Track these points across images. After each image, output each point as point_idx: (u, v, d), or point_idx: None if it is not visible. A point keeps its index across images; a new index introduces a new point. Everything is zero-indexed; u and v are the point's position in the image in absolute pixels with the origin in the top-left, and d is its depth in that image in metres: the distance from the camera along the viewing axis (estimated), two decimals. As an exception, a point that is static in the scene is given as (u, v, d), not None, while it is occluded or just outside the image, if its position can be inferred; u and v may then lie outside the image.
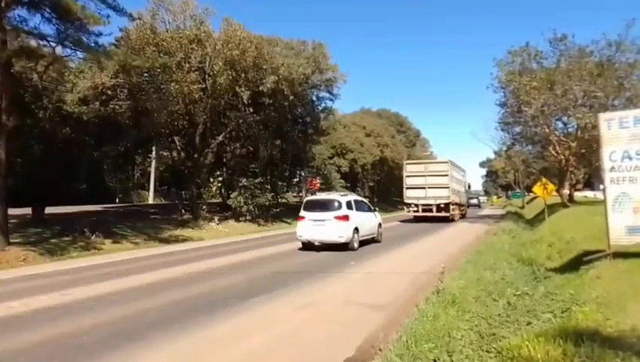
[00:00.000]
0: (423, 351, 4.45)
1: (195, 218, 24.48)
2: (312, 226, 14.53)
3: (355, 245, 14.47)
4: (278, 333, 5.78)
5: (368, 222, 16.06)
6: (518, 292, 6.59)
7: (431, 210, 28.01)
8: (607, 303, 5.28)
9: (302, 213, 14.98)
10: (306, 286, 8.72)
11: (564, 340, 4.10)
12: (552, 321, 5.27)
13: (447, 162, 29.58)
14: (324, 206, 14.86)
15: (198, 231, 22.43)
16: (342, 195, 15.95)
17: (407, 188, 29.25)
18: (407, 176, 29.53)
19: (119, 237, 18.16)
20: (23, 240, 15.29)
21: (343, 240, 14.03)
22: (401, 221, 30.15)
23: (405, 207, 29.86)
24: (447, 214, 27.99)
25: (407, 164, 31.50)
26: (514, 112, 26.91)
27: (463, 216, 33.43)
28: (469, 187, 43.43)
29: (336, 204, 14.73)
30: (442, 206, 27.87)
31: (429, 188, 28.17)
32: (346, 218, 14.27)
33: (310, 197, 17.29)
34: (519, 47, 24.97)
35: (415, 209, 28.68)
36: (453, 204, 28.51)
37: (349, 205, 14.86)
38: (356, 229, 14.57)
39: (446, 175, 28.29)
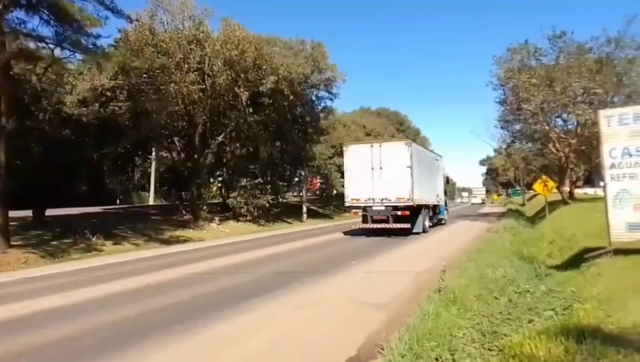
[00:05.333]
0: (425, 349, 4.44)
1: (196, 218, 24.48)
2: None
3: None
4: (280, 333, 5.78)
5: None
6: (519, 290, 6.58)
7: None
8: (608, 300, 5.29)
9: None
10: (307, 285, 8.72)
11: (566, 337, 4.10)
12: (553, 319, 5.27)
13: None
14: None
15: (198, 231, 22.44)
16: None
17: None
18: None
19: (120, 238, 18.16)
20: (23, 242, 15.29)
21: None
22: None
23: None
24: None
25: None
26: (513, 110, 26.86)
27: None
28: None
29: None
30: None
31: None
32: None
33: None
34: (518, 44, 24.93)
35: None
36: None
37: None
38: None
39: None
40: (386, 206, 18.80)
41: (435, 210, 23.78)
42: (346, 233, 20.79)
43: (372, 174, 19.09)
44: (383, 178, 18.90)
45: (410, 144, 19.73)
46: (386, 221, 18.80)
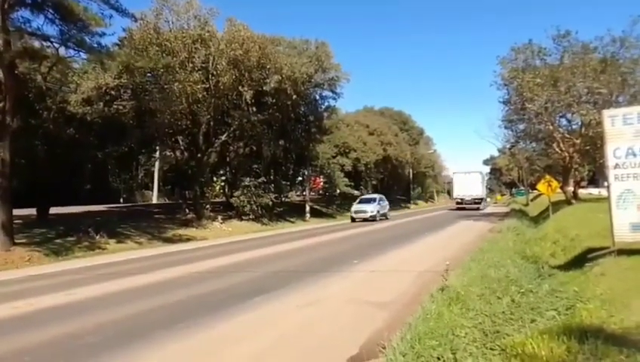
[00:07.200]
0: (427, 348, 4.43)
1: (199, 217, 24.53)
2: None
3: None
4: (282, 332, 5.79)
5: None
6: (522, 290, 6.56)
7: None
8: (611, 300, 5.27)
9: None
10: (309, 285, 8.73)
11: (568, 337, 4.09)
12: (556, 318, 5.26)
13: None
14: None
15: (201, 230, 22.49)
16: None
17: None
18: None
19: (123, 237, 18.23)
20: (27, 240, 15.37)
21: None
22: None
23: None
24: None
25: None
26: (517, 110, 26.74)
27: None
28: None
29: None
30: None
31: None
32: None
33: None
34: (522, 44, 24.84)
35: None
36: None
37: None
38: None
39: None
40: (471, 198, 46.42)
41: (485, 200, 53.41)
42: (450, 209, 46.92)
43: (466, 185, 47.23)
44: (470, 186, 47.04)
45: (482, 173, 54.47)
46: (471, 204, 45.81)
